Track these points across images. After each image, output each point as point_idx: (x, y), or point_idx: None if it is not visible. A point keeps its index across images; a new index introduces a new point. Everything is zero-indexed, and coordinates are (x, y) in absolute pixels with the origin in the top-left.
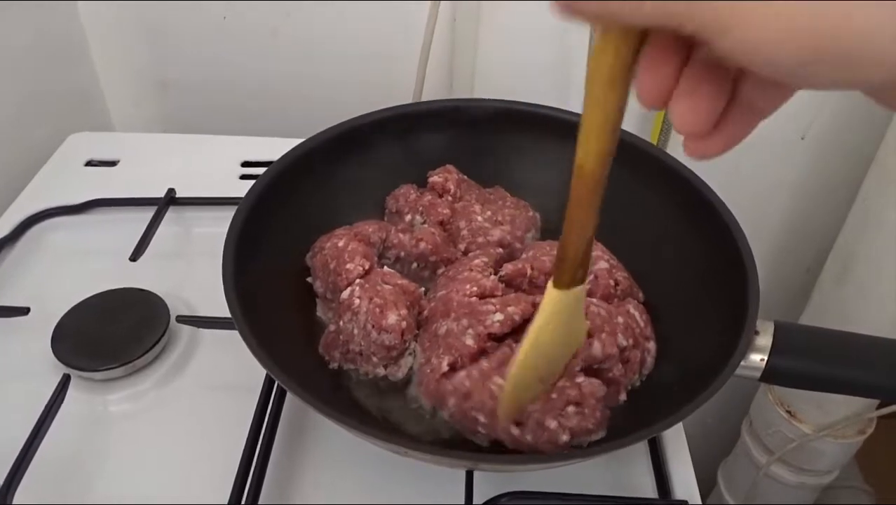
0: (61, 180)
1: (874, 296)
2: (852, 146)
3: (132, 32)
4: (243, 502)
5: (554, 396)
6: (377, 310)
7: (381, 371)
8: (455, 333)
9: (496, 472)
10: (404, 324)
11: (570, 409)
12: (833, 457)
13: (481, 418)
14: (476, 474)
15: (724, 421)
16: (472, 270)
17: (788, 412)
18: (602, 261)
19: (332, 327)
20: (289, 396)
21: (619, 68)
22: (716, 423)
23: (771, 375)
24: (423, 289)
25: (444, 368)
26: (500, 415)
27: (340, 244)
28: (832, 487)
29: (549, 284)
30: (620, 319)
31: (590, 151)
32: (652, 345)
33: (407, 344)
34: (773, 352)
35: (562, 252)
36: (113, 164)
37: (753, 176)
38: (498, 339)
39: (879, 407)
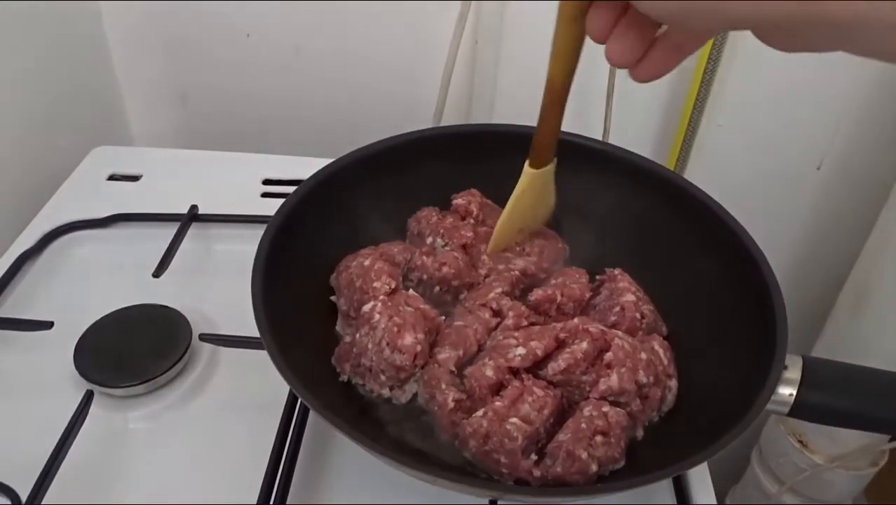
0: (84, 194)
1: (890, 328)
2: (868, 176)
3: (155, 47)
4: None
5: (583, 425)
6: (395, 329)
7: (385, 392)
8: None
9: (522, 503)
10: (419, 348)
11: (598, 438)
12: (844, 488)
13: (503, 459)
14: (500, 503)
15: (733, 448)
16: (485, 305)
17: (800, 442)
18: (629, 293)
19: (347, 339)
20: (311, 417)
21: (578, 9)
22: (725, 450)
23: (799, 409)
24: (443, 317)
25: (451, 404)
26: (489, 250)
27: (367, 263)
28: None
29: (526, 165)
30: (644, 356)
31: (558, 70)
32: (673, 383)
33: (416, 369)
34: (802, 386)
35: (536, 144)
36: (136, 178)
37: (769, 205)
38: (515, 372)
39: (892, 440)
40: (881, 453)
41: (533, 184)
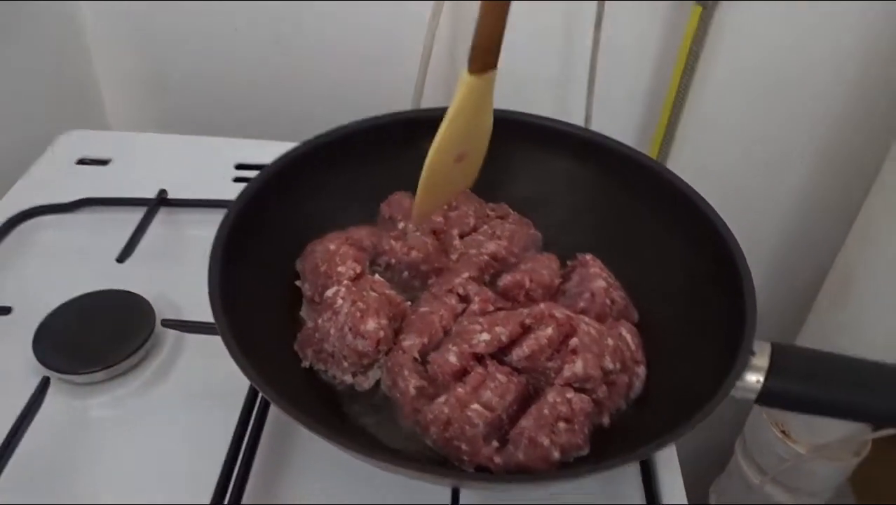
0: (52, 178)
1: (873, 318)
2: (852, 165)
3: (133, 33)
4: None
5: (546, 412)
6: (358, 314)
7: (348, 378)
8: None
9: (483, 490)
10: (382, 333)
11: (561, 425)
12: (827, 478)
13: (464, 446)
14: (462, 492)
15: (717, 439)
16: (451, 290)
17: (783, 432)
18: (600, 279)
19: (310, 324)
20: (273, 405)
21: None
22: (709, 441)
23: (767, 397)
24: (409, 302)
25: (412, 391)
26: (416, 204)
27: (332, 247)
28: None
29: (464, 71)
30: (611, 342)
31: None
32: (641, 370)
33: (380, 355)
34: (770, 373)
35: (477, 39)
36: (105, 162)
37: (752, 194)
38: (480, 358)
39: (875, 429)
40: (864, 444)
41: (472, 94)
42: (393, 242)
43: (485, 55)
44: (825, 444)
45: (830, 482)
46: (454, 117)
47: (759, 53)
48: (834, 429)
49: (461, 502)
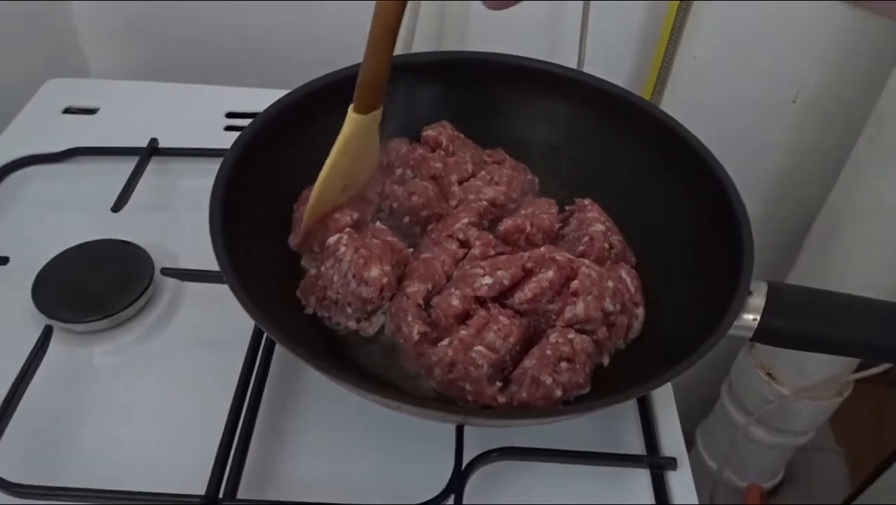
0: (39, 128)
1: (860, 260)
2: (843, 110)
3: None
4: (230, 459)
5: (548, 352)
6: (361, 261)
7: (352, 324)
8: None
9: (488, 426)
10: (385, 280)
11: (563, 364)
12: (810, 418)
13: (468, 387)
14: (466, 431)
15: (704, 382)
16: (451, 235)
17: (769, 374)
18: (598, 223)
19: (312, 272)
20: (277, 351)
21: None
22: (696, 383)
23: (763, 334)
24: (410, 249)
25: (416, 336)
26: (303, 227)
27: None
28: (805, 447)
29: (350, 109)
30: (611, 284)
31: None
32: (640, 311)
33: (384, 301)
34: (766, 312)
35: (361, 80)
36: (92, 111)
37: (743, 138)
38: (482, 301)
39: (857, 370)
40: (846, 384)
41: (357, 131)
42: (395, 187)
43: (368, 95)
44: (809, 385)
45: (813, 422)
46: (341, 153)
47: None
48: (818, 370)
49: (465, 442)
